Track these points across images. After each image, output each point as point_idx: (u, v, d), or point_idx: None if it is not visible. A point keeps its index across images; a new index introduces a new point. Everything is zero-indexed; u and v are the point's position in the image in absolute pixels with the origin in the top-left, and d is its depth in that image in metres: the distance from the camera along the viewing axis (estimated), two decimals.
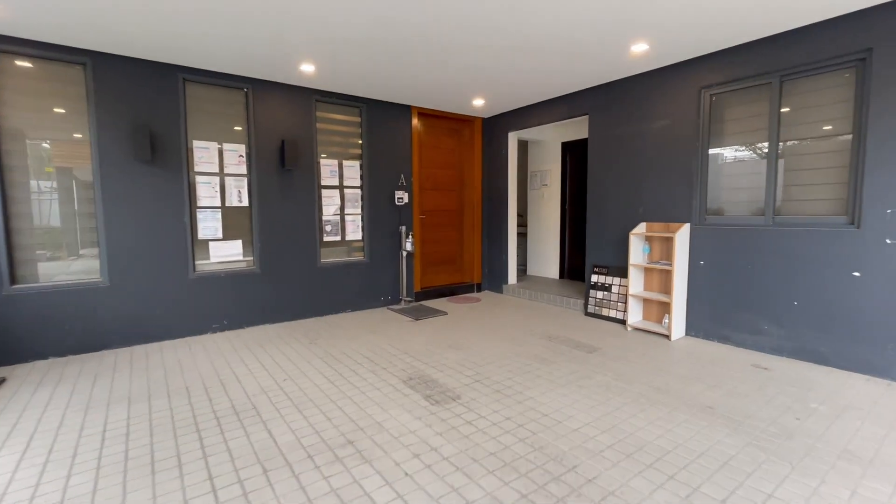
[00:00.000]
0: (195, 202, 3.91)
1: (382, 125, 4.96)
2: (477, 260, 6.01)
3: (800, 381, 2.84)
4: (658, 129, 3.99)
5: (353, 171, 4.81)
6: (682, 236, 3.73)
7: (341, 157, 4.73)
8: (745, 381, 2.84)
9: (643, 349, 3.49)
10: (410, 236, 4.99)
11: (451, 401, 2.57)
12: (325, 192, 4.63)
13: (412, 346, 3.62)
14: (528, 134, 6.11)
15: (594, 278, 4.60)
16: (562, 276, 6.35)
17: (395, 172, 5.11)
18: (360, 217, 4.90)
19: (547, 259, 6.51)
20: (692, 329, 3.82)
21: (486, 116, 5.88)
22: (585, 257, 4.79)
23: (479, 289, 6.05)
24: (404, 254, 5.08)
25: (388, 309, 4.98)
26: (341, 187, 4.74)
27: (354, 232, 4.87)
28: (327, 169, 4.63)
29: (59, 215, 3.39)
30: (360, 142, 4.85)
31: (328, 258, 4.71)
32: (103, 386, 2.84)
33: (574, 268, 6.22)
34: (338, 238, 4.75)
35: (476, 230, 5.98)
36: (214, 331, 4.04)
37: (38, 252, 3.33)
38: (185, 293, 3.88)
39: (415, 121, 5.22)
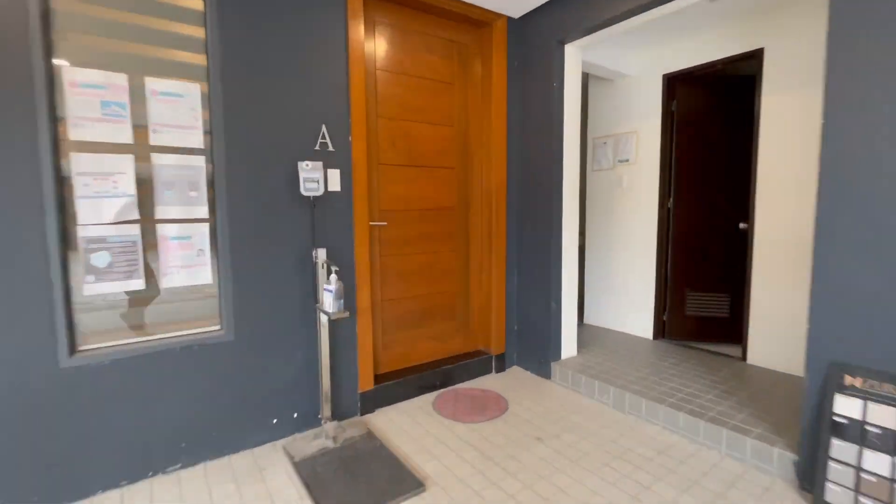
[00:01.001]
0: None
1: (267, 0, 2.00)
2: (497, 307, 3.00)
3: None
4: None
5: (178, 109, 1.85)
6: None
7: (137, 66, 1.78)
8: None
9: None
10: (335, 274, 2.02)
11: None
12: (81, 161, 1.68)
13: None
14: (600, 55, 3.11)
15: (845, 405, 1.59)
16: (660, 334, 3.32)
17: (307, 120, 2.15)
18: (206, 226, 1.95)
19: (628, 300, 3.50)
20: None
21: (514, 16, 2.88)
22: (807, 338, 1.91)
23: (502, 366, 3.06)
24: (324, 317, 2.10)
25: (285, 451, 2.03)
26: (139, 146, 1.79)
27: (189, 266, 1.92)
28: (85, 99, 1.68)
29: None
30: (205, 32, 1.90)
31: (103, 341, 1.77)
32: None
33: (691, 322, 3.21)
34: (138, 284, 1.80)
35: (496, 247, 2.97)
36: None
37: None
38: None
39: (355, 2, 2.25)
